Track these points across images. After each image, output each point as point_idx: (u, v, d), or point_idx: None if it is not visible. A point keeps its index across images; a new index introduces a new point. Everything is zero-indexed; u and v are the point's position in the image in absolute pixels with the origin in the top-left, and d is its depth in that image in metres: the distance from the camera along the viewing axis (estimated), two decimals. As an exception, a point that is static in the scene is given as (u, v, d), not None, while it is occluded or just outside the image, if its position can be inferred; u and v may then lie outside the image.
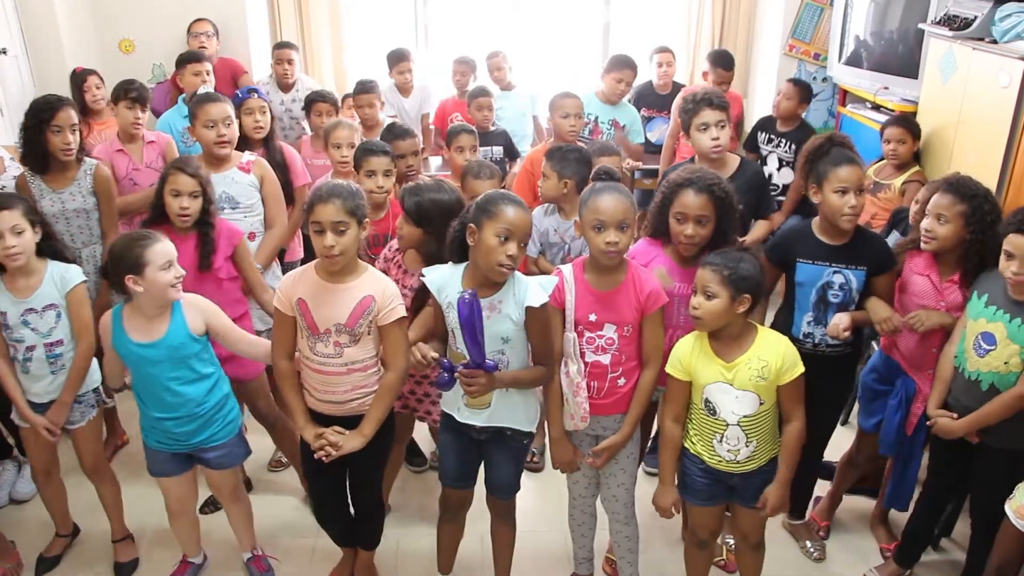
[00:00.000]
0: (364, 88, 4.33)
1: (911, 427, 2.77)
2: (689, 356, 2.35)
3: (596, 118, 4.31)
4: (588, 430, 2.49)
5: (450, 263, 2.41)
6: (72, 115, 3.13)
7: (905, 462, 2.85)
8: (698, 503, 2.50)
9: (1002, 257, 2.34)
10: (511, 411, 2.42)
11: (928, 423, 2.60)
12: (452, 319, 2.32)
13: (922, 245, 2.61)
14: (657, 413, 2.84)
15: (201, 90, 4.10)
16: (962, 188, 2.55)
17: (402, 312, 2.40)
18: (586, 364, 2.41)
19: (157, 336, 2.46)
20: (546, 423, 2.53)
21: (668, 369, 2.39)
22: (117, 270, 2.41)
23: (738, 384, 2.27)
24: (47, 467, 2.82)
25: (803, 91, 4.50)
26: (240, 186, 3.24)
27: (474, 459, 2.55)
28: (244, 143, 3.47)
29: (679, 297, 2.55)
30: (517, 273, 2.34)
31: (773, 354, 2.28)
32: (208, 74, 4.39)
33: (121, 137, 3.68)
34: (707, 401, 2.33)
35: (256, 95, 3.68)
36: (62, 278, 2.62)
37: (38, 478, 2.87)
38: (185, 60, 4.41)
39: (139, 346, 2.46)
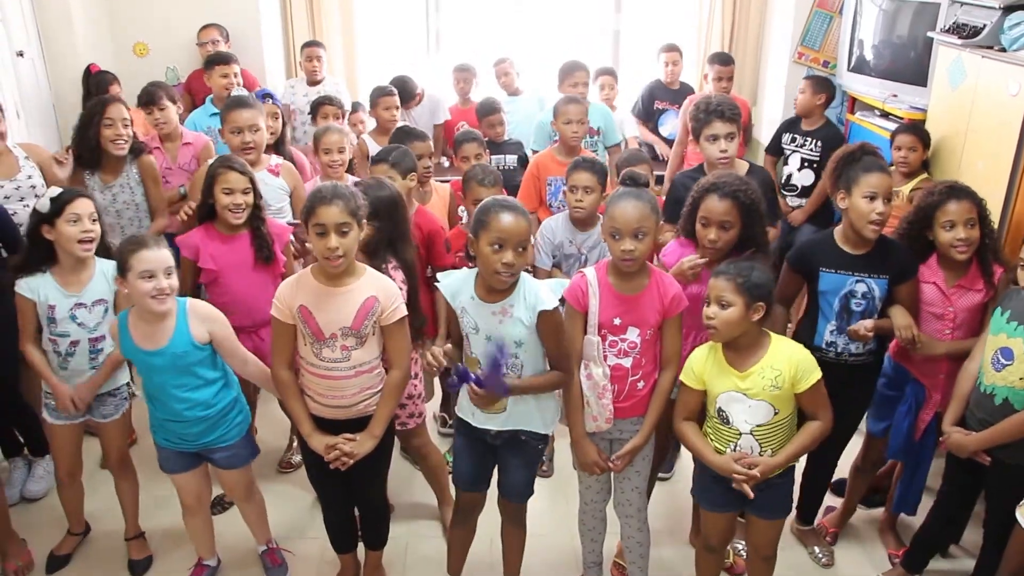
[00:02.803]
0: (384, 91, 4.36)
1: (919, 432, 2.78)
2: (703, 365, 2.36)
3: None
4: (604, 434, 2.49)
5: (464, 268, 2.42)
6: (123, 110, 3.28)
7: (914, 467, 2.86)
8: (710, 508, 2.50)
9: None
10: (527, 415, 2.42)
11: (941, 438, 2.59)
12: (466, 323, 2.35)
13: (958, 255, 2.60)
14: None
15: (235, 92, 4.15)
16: (969, 192, 2.62)
17: (404, 311, 2.41)
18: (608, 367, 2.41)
19: (161, 344, 2.45)
20: (566, 426, 2.52)
21: (682, 377, 2.40)
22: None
23: (751, 394, 2.27)
24: (71, 468, 2.84)
25: (818, 83, 4.42)
26: (270, 188, 3.26)
27: (488, 463, 2.55)
28: None
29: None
30: (527, 276, 2.35)
31: (786, 363, 2.26)
32: (236, 76, 4.44)
33: (159, 136, 3.77)
34: (720, 410, 2.33)
35: (270, 100, 3.71)
36: (112, 274, 2.62)
37: (61, 479, 2.88)
38: (213, 62, 4.46)
39: (145, 353, 2.46)
